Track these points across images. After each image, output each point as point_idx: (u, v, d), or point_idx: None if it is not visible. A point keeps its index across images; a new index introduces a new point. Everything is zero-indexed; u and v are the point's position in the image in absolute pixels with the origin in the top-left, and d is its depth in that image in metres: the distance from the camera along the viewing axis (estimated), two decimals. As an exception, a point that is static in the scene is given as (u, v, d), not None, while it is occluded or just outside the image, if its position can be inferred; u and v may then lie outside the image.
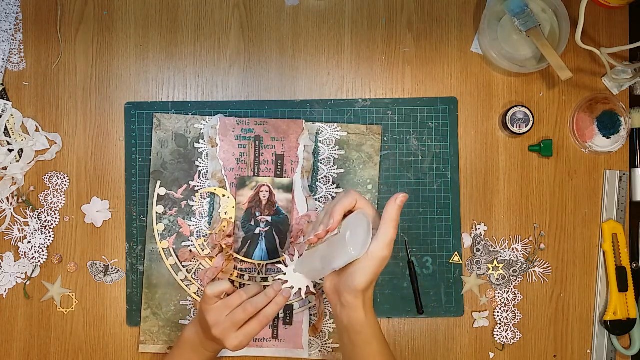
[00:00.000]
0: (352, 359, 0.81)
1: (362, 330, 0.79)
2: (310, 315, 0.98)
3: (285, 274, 0.85)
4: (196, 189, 0.98)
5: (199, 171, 0.98)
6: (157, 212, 0.98)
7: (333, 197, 0.98)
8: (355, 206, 0.80)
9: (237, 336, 0.83)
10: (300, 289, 0.85)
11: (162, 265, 0.97)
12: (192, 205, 0.98)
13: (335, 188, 0.98)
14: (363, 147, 0.99)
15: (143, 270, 0.97)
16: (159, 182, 0.98)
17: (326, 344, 0.97)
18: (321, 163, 0.99)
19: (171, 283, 0.97)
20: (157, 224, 0.98)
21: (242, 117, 0.98)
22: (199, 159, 0.98)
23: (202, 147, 0.98)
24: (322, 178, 0.99)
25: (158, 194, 0.98)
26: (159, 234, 0.97)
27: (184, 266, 0.97)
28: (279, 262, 0.97)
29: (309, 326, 0.97)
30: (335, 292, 0.81)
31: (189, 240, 0.98)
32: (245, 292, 0.85)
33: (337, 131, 0.99)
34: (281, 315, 0.97)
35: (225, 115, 0.98)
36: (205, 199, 0.98)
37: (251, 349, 0.97)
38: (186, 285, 0.97)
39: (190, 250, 0.97)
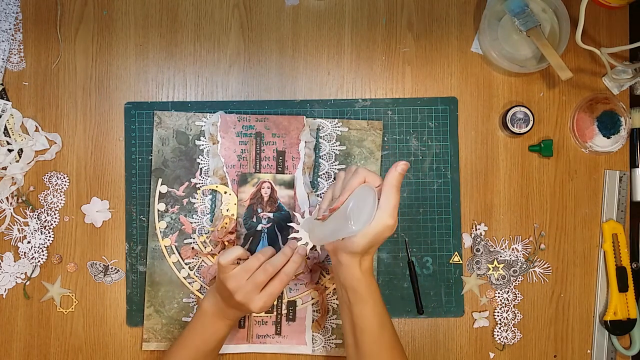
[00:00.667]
0: (349, 317, 0.83)
1: (358, 289, 0.81)
2: (314, 311, 0.98)
3: (298, 231, 0.87)
4: (198, 186, 0.98)
5: (200, 168, 0.98)
6: (158, 210, 0.98)
7: None
8: (364, 182, 0.81)
9: (260, 297, 0.84)
10: (314, 245, 0.87)
11: (164, 263, 0.97)
12: (194, 203, 0.98)
13: None
14: (364, 142, 0.99)
15: (145, 269, 0.97)
16: (160, 180, 0.98)
17: (330, 339, 0.97)
18: (322, 159, 0.99)
19: (174, 280, 0.97)
20: (159, 221, 0.98)
21: (243, 114, 0.98)
22: (200, 156, 0.98)
23: (203, 144, 0.98)
24: (324, 174, 0.99)
25: (159, 192, 0.98)
26: (160, 231, 0.97)
27: (186, 263, 0.97)
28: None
29: (312, 322, 0.98)
30: (334, 251, 0.83)
31: (191, 238, 0.98)
32: (262, 254, 0.87)
33: (338, 127, 0.99)
34: (284, 312, 0.97)
35: (226, 113, 0.99)
36: (206, 196, 0.98)
37: (254, 345, 0.97)
38: (189, 283, 0.97)
39: (193, 248, 0.97)
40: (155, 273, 0.97)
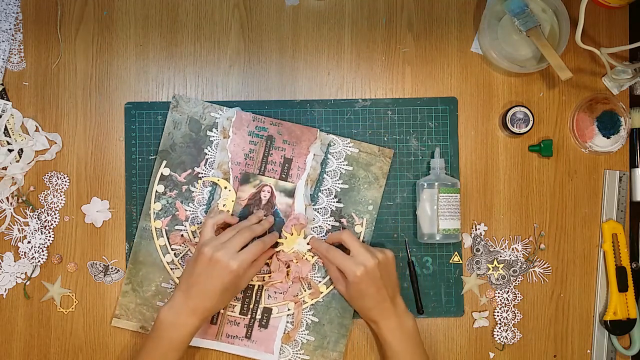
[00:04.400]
0: None
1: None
2: (287, 322, 0.97)
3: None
4: (200, 175, 0.98)
5: (206, 159, 0.98)
6: (156, 191, 0.97)
7: (332, 210, 0.98)
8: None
9: (238, 256, 0.88)
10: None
11: (151, 244, 0.97)
12: (193, 191, 0.98)
13: (337, 202, 0.98)
14: (371, 167, 0.98)
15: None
16: (164, 162, 0.98)
17: (298, 353, 0.97)
18: (327, 175, 0.98)
19: (157, 263, 0.97)
20: (154, 202, 0.97)
21: (259, 115, 0.98)
22: (208, 147, 0.98)
23: (214, 136, 0.98)
24: (325, 190, 0.98)
25: (161, 174, 0.98)
26: (154, 212, 0.97)
27: (172, 249, 0.97)
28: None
29: (284, 333, 0.97)
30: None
31: (182, 225, 0.98)
32: (238, 226, 0.93)
33: (349, 146, 0.98)
34: (258, 317, 0.97)
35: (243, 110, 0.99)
36: (206, 187, 0.98)
37: (222, 344, 0.97)
38: (171, 269, 0.97)
39: (182, 235, 0.97)
40: (140, 252, 0.97)
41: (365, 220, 0.98)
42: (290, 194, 0.97)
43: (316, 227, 0.98)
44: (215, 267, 0.87)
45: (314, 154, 0.98)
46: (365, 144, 0.99)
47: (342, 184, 0.99)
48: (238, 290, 0.91)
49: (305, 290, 0.97)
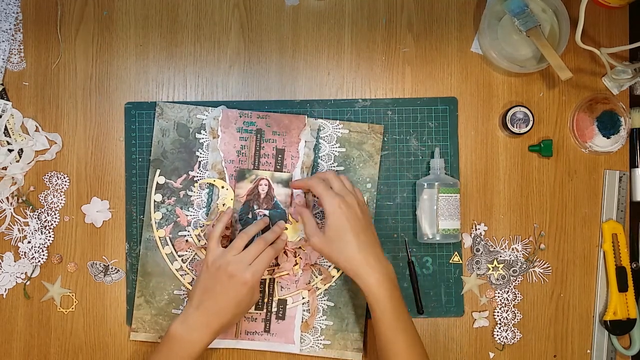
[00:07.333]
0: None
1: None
2: (304, 311, 0.98)
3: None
4: (195, 179, 0.98)
5: (199, 162, 0.98)
6: (155, 201, 0.98)
7: None
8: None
9: (250, 268, 0.88)
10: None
11: (157, 254, 0.97)
12: (191, 196, 0.98)
13: None
14: (364, 145, 0.99)
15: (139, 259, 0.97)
16: (158, 171, 0.98)
17: (318, 340, 0.97)
18: (321, 159, 0.99)
19: (166, 272, 0.97)
20: (154, 212, 0.97)
21: (245, 110, 0.98)
22: (199, 150, 0.98)
23: (203, 138, 0.98)
24: (322, 174, 0.99)
25: (157, 183, 0.98)
26: (155, 222, 0.97)
27: (179, 256, 0.97)
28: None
29: (302, 322, 0.98)
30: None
31: (185, 230, 0.98)
32: (245, 234, 0.92)
33: (339, 128, 0.99)
34: (274, 310, 0.97)
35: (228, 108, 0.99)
36: (204, 189, 0.98)
37: (242, 341, 0.97)
38: (181, 275, 0.97)
39: (187, 240, 0.97)
40: (147, 263, 0.97)
41: (366, 199, 0.98)
42: (288, 183, 0.98)
43: (318, 212, 0.98)
44: (231, 281, 0.87)
45: (305, 141, 0.98)
46: (355, 124, 0.99)
47: (337, 166, 0.99)
48: (251, 303, 0.90)
49: (316, 277, 0.98)
